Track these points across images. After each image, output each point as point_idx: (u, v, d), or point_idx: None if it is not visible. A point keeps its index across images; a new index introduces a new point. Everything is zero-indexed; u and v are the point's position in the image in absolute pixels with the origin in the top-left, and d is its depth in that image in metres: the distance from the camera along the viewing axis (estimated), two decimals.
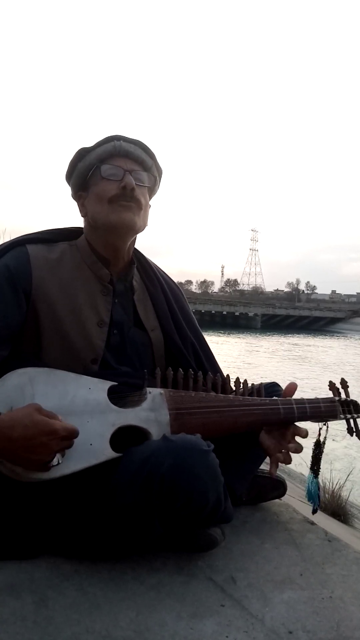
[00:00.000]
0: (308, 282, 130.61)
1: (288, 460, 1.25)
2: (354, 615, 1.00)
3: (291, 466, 3.25)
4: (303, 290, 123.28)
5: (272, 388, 1.42)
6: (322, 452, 1.31)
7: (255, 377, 1.36)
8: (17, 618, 0.90)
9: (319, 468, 1.32)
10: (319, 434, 1.31)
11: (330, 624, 0.96)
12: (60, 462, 1.01)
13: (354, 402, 1.37)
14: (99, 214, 1.24)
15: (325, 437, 1.32)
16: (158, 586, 1.04)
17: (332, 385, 1.38)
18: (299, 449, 1.25)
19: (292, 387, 1.34)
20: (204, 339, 1.43)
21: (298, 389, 1.36)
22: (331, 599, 1.05)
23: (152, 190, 1.33)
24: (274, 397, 1.31)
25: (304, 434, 1.27)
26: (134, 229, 1.26)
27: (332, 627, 0.95)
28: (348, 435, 1.36)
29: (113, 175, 1.24)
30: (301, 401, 1.29)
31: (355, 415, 1.35)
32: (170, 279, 1.46)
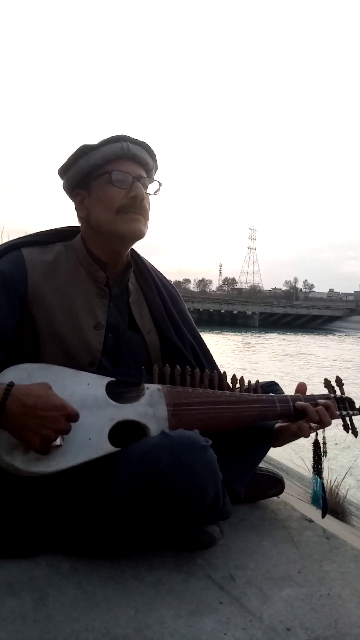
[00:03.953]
0: (306, 280, 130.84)
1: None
2: (352, 612, 1.00)
3: (290, 464, 3.27)
4: (301, 289, 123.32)
5: (271, 387, 1.42)
6: (325, 451, 1.31)
7: (252, 375, 1.36)
8: (17, 616, 0.91)
9: (321, 468, 1.32)
10: (316, 434, 1.32)
11: (328, 621, 0.97)
12: (62, 443, 1.01)
13: (349, 400, 1.37)
14: (106, 222, 1.22)
15: (324, 437, 1.32)
16: (157, 584, 1.04)
17: (327, 383, 1.39)
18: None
19: (303, 387, 1.36)
20: (202, 339, 1.42)
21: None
22: (329, 596, 1.05)
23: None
24: (270, 394, 1.32)
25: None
26: (140, 238, 1.26)
27: (330, 624, 0.96)
28: (345, 433, 1.37)
29: (122, 182, 1.21)
30: (297, 398, 1.30)
31: (350, 412, 1.36)
32: (166, 280, 1.45)
